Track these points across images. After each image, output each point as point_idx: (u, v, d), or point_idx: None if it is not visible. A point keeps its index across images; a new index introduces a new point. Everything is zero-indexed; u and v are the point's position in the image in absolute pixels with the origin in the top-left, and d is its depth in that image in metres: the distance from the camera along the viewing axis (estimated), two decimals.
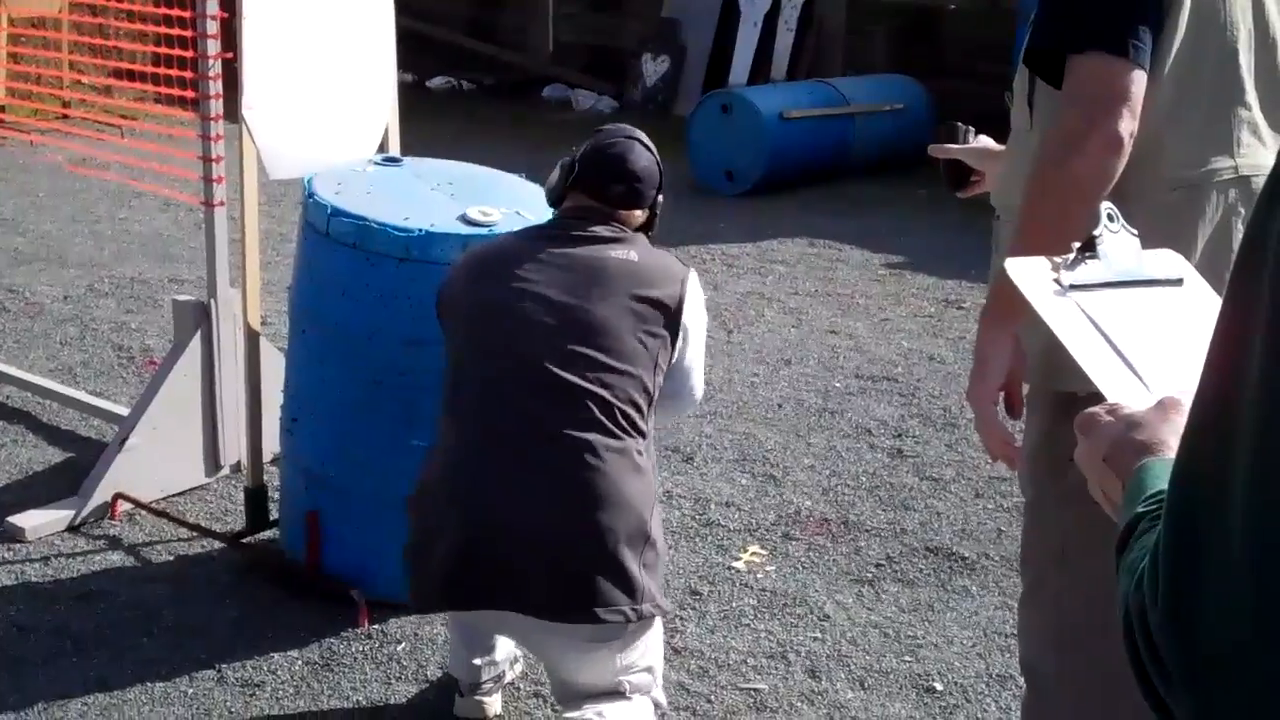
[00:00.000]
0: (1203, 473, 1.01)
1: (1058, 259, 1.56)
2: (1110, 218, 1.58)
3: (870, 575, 4.23)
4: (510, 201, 3.87)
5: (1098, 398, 1.51)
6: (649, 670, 3.17)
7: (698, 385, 3.33)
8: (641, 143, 3.29)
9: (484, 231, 3.69)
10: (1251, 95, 2.40)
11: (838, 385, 5.79)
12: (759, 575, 4.21)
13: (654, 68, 12.20)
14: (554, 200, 3.32)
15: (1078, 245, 1.56)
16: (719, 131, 9.18)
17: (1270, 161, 2.41)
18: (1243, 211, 2.39)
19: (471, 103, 12.57)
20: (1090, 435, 1.35)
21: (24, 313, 6.36)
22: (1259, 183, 2.39)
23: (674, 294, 3.13)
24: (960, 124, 2.88)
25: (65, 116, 9.63)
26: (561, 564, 2.96)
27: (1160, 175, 2.30)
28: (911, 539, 4.44)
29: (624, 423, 3.03)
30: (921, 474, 4.92)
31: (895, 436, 5.26)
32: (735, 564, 4.27)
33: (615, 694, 3.11)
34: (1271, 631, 0.94)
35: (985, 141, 2.89)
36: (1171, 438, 1.26)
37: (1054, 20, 2.33)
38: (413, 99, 12.61)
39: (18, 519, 4.35)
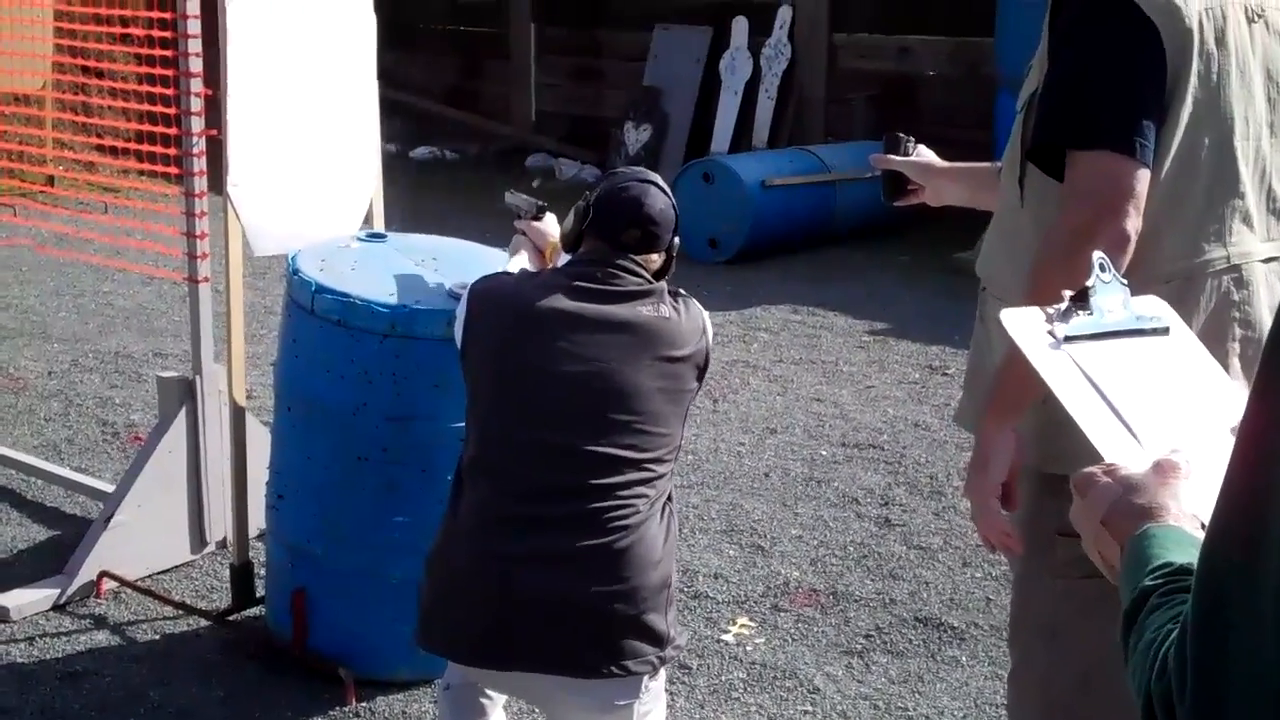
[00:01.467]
0: (1231, 568, 1.01)
1: (1050, 309, 1.58)
2: (1102, 268, 1.61)
3: (860, 646, 4.21)
4: None
5: None
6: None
7: None
8: (656, 185, 3.18)
9: None
10: (1245, 183, 2.43)
11: (824, 454, 5.79)
12: (748, 648, 4.20)
13: (636, 136, 12.27)
14: (570, 245, 3.22)
15: (1070, 295, 1.58)
16: (701, 200, 9.20)
17: (1259, 248, 2.45)
18: (1236, 299, 2.42)
19: (455, 172, 12.62)
20: (1088, 496, 1.35)
21: (7, 388, 6.35)
22: (1249, 270, 2.44)
23: (701, 346, 3.11)
24: (903, 135, 2.95)
25: (50, 185, 9.67)
26: (593, 625, 2.93)
27: (1156, 267, 2.31)
28: (900, 609, 4.43)
29: (655, 482, 3.01)
30: (909, 543, 4.92)
31: (882, 505, 5.25)
32: (725, 636, 4.26)
33: None
34: None
35: (926, 155, 2.96)
36: (1170, 502, 1.28)
37: (1059, 115, 2.35)
38: (396, 169, 12.66)
39: (2, 598, 4.32)
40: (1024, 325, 1.58)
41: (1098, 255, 1.64)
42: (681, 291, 3.18)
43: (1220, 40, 2.37)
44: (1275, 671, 0.95)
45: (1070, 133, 2.33)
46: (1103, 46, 2.33)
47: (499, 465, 3.02)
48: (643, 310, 3.05)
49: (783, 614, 4.40)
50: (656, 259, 3.15)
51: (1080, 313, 1.57)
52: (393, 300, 3.72)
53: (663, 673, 3.13)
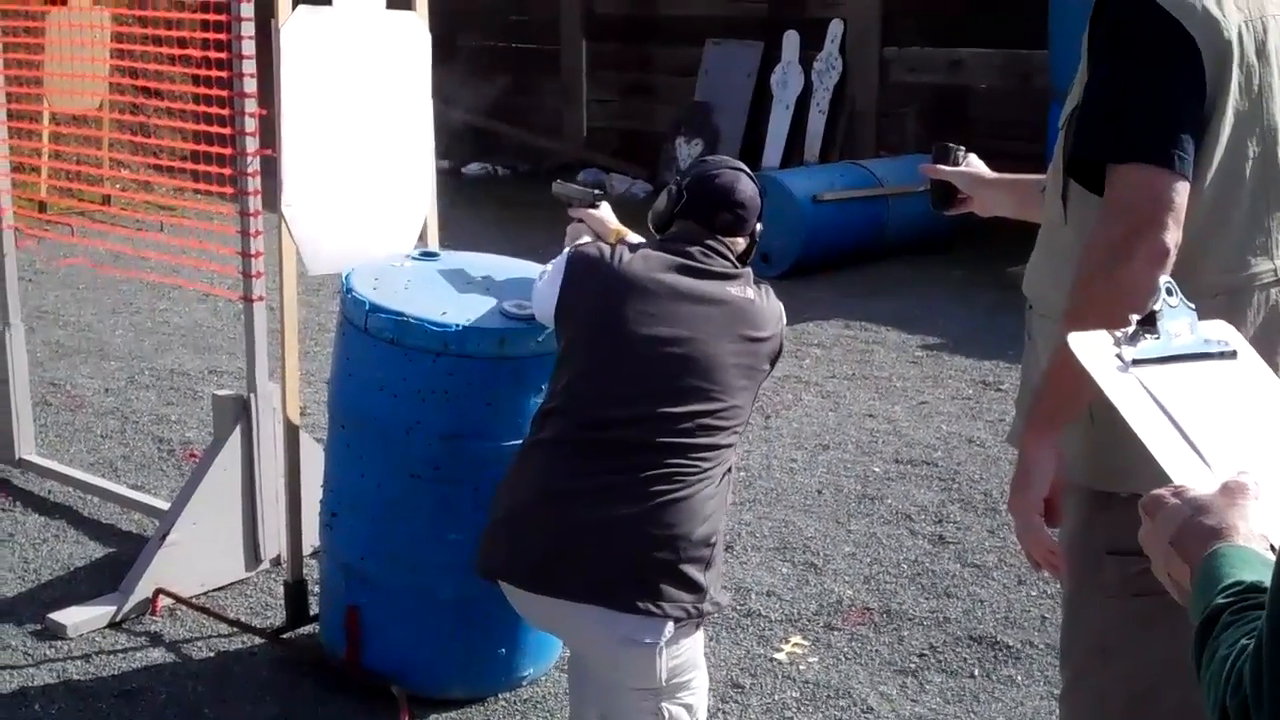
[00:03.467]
0: None
1: (1118, 333, 1.59)
2: (1169, 291, 1.61)
3: (914, 665, 4.18)
4: None
5: (1138, 497, 1.55)
6: (690, 680, 3.23)
7: None
8: (745, 172, 3.42)
9: (522, 325, 3.71)
10: None
11: (877, 470, 5.76)
12: (801, 667, 4.18)
13: (687, 150, 12.28)
14: (660, 225, 3.45)
15: (1137, 319, 1.59)
16: None
17: None
18: None
19: (506, 188, 12.67)
20: (1157, 518, 1.37)
21: (65, 406, 6.41)
22: None
23: (777, 332, 3.33)
24: (952, 145, 2.97)
25: (105, 204, 9.78)
26: (634, 562, 3.09)
27: (1202, 281, 2.29)
28: (955, 627, 4.40)
29: (720, 451, 3.19)
30: (964, 560, 4.88)
31: (936, 522, 5.22)
32: (777, 655, 4.24)
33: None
34: None
35: (976, 165, 2.97)
36: (1240, 523, 1.30)
37: (1097, 130, 2.34)
38: (448, 186, 12.75)
39: (59, 616, 4.36)
40: (1092, 349, 1.59)
41: (1164, 279, 1.64)
42: (763, 281, 3.39)
43: (1261, 53, 2.35)
44: None
45: (1108, 147, 2.32)
46: (1140, 60, 2.32)
47: (578, 412, 3.20)
48: (731, 290, 3.28)
49: (836, 632, 4.38)
50: (742, 242, 3.38)
51: (1148, 336, 1.58)
52: (446, 319, 3.73)
53: (699, 635, 3.27)
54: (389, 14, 4.31)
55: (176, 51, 5.83)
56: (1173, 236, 2.24)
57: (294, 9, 4.05)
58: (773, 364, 3.35)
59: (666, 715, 3.20)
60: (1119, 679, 2.47)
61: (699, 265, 3.28)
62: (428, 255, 4.22)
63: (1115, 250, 2.25)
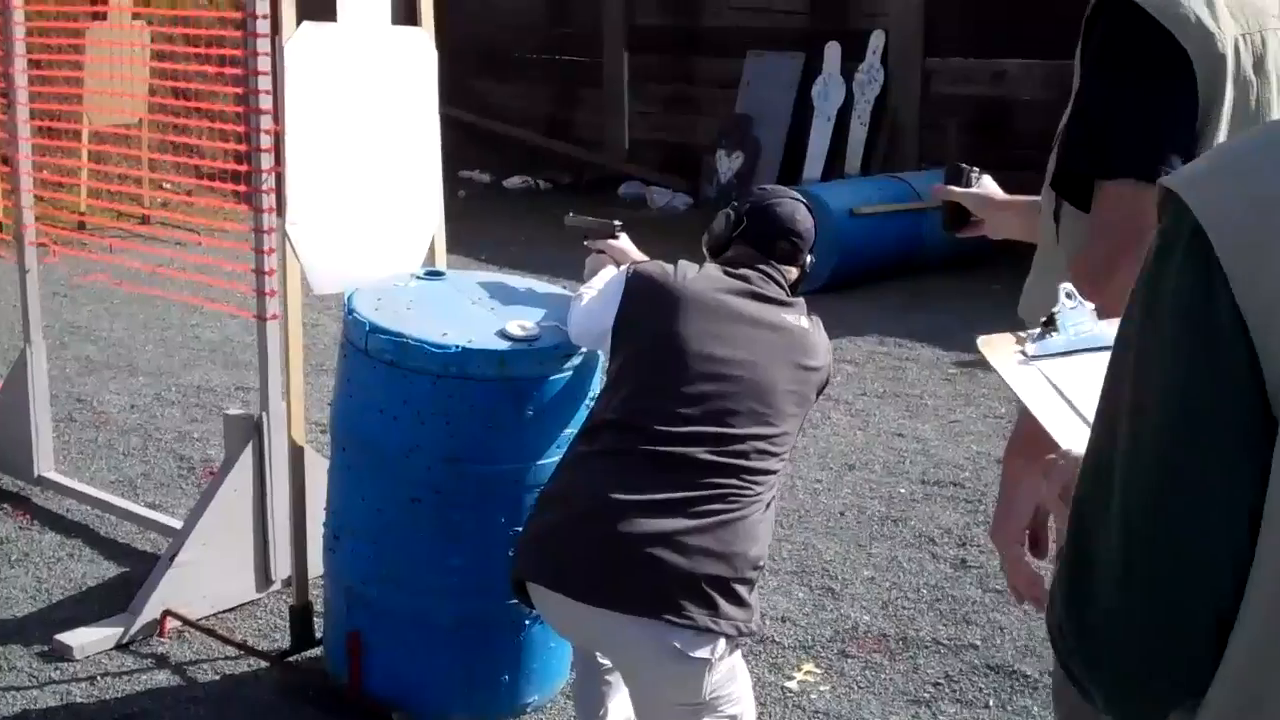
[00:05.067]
0: (1093, 485, 1.32)
1: (1022, 334, 1.79)
2: (1069, 295, 1.81)
3: (928, 695, 4.08)
4: (551, 314, 3.82)
5: None
6: (731, 693, 3.19)
7: None
8: (804, 203, 3.51)
9: (523, 347, 3.65)
10: None
11: (902, 491, 5.66)
12: (812, 695, 4.09)
13: (728, 164, 12.21)
14: (717, 248, 3.49)
15: (1043, 320, 1.78)
16: None
17: None
18: None
19: (547, 201, 12.63)
20: (1049, 477, 1.59)
21: (90, 423, 6.41)
22: None
23: (827, 364, 3.38)
24: (965, 166, 2.92)
25: (145, 219, 9.82)
26: (690, 577, 3.05)
27: None
28: (972, 656, 4.30)
29: (768, 476, 3.19)
30: (985, 586, 4.77)
31: (959, 546, 5.12)
32: (788, 684, 4.15)
33: None
34: (1135, 575, 1.26)
35: (989, 186, 2.91)
36: None
37: (1084, 145, 2.30)
38: (490, 199, 12.76)
39: (66, 637, 4.33)
40: (997, 347, 1.78)
41: (1064, 286, 1.82)
42: (814, 314, 3.42)
43: (1259, 66, 2.30)
44: (1116, 531, 1.27)
45: (1095, 162, 2.28)
46: (1131, 73, 2.27)
47: (637, 425, 3.17)
48: (787, 317, 3.32)
49: (850, 660, 4.28)
50: (794, 272, 3.43)
51: (1051, 334, 1.77)
52: (446, 340, 3.67)
53: (739, 656, 3.25)
54: (395, 29, 4.26)
55: (197, 69, 5.82)
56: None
57: (299, 25, 4.01)
58: (819, 393, 3.37)
59: None
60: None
61: (758, 290, 3.32)
62: (433, 274, 4.17)
63: (1102, 268, 2.22)
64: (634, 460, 3.14)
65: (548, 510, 3.26)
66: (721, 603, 3.05)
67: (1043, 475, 1.62)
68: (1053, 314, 1.79)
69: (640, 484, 3.10)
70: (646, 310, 3.30)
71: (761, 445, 3.16)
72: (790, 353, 3.26)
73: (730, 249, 3.44)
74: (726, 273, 3.36)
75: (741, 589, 3.09)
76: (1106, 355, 1.70)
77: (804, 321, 3.33)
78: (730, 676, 3.17)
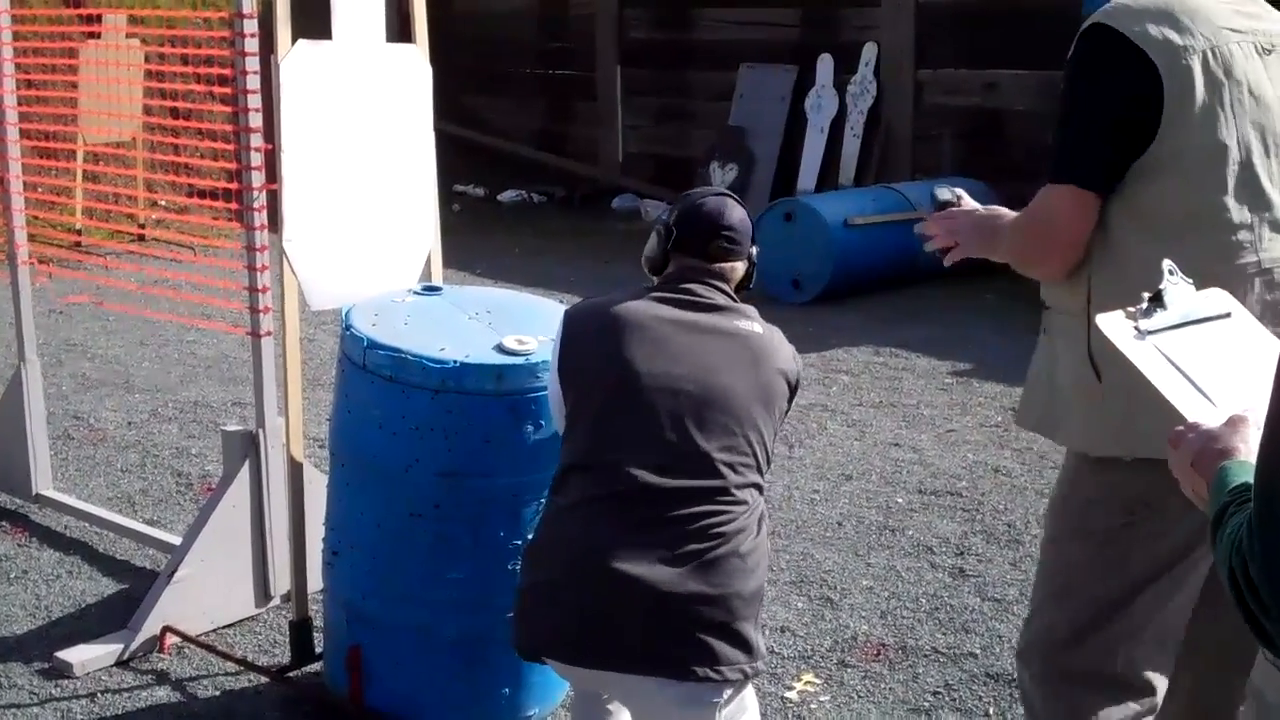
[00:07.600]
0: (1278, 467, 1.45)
1: (1132, 309, 1.97)
2: (1171, 272, 2.02)
3: (927, 704, 4.09)
4: (548, 329, 3.82)
5: (1144, 462, 2.54)
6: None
7: None
8: (731, 197, 3.36)
9: (520, 361, 3.66)
10: (1272, 196, 2.68)
11: (900, 501, 5.68)
12: (812, 705, 4.09)
13: (722, 176, 12.22)
14: (655, 267, 3.35)
15: (1148, 296, 1.98)
16: (784, 240, 9.12)
17: None
18: (1269, 300, 2.67)
19: (541, 215, 12.65)
20: (1179, 448, 1.75)
21: (87, 440, 6.41)
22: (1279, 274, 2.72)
23: (793, 367, 3.24)
24: (947, 194, 3.13)
25: (141, 238, 9.83)
26: (688, 626, 2.96)
27: (1189, 270, 2.41)
28: (971, 664, 4.31)
29: (750, 490, 3.09)
30: (983, 594, 4.78)
31: (957, 554, 5.13)
32: (788, 694, 4.15)
33: None
34: None
35: (968, 204, 3.14)
36: (1241, 445, 1.69)
37: (1052, 151, 2.73)
38: (485, 213, 12.77)
39: (66, 654, 4.33)
40: (1114, 325, 1.96)
41: (1167, 262, 2.03)
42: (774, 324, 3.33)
43: (1229, 73, 2.63)
44: None
45: (1051, 166, 2.70)
46: (1097, 85, 2.63)
47: (599, 465, 3.07)
48: (739, 324, 3.21)
49: (849, 670, 4.29)
50: (740, 267, 3.31)
51: (1158, 310, 1.97)
52: (444, 355, 3.68)
53: (751, 688, 3.17)
54: (389, 47, 4.28)
55: (189, 88, 5.83)
56: (1069, 259, 2.70)
57: (294, 44, 4.02)
58: (791, 398, 3.24)
59: None
60: (1069, 614, 2.83)
61: (703, 300, 3.21)
62: (430, 290, 4.18)
63: (1026, 256, 2.81)
64: (605, 507, 3.03)
65: (527, 575, 3.17)
66: (723, 649, 2.96)
67: (1170, 446, 1.77)
68: (1159, 290, 1.98)
69: (615, 534, 2.99)
70: (585, 346, 3.19)
71: (730, 457, 3.04)
72: (746, 357, 3.14)
73: (670, 263, 3.31)
74: (665, 287, 3.25)
75: (743, 627, 3.00)
76: (1212, 327, 2.00)
77: (757, 326, 3.21)
78: (741, 709, 3.10)
